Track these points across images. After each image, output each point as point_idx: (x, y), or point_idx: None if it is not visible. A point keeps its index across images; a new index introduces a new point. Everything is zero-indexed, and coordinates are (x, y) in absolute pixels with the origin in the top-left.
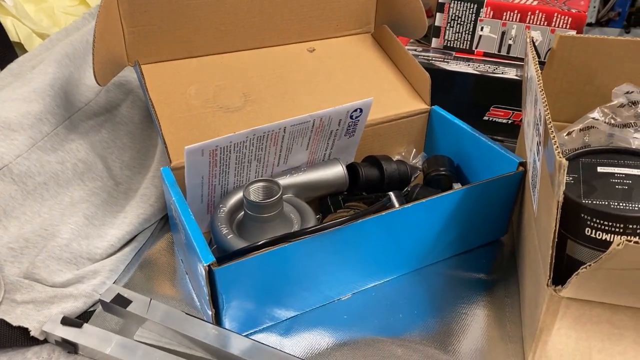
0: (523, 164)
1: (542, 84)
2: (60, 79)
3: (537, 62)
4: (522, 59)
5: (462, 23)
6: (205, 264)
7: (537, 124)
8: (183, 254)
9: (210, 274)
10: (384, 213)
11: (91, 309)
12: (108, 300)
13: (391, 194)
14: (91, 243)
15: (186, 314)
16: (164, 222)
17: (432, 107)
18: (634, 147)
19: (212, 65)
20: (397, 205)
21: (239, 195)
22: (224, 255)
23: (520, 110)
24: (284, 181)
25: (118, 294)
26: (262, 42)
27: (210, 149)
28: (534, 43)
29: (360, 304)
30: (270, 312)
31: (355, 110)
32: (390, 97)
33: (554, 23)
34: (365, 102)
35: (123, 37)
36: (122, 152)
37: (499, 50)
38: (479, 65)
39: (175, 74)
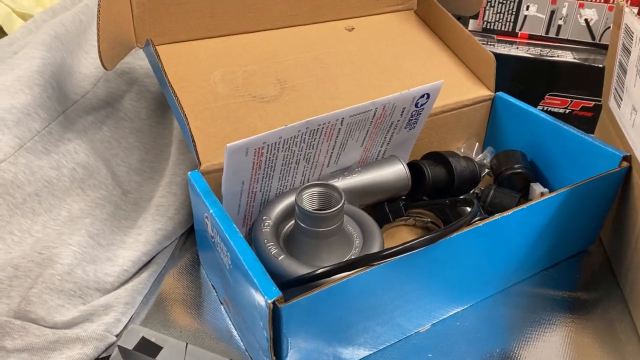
0: (627, 159)
1: None
2: (51, 65)
3: None
4: (574, 42)
5: (504, 2)
6: (269, 300)
7: None
8: (220, 280)
9: (274, 312)
10: (480, 224)
11: (104, 355)
12: (130, 347)
13: (474, 201)
14: (99, 269)
15: None
16: (185, 237)
17: (497, 93)
18: None
19: (237, 46)
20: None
21: (284, 204)
22: (284, 282)
23: (580, 99)
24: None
25: (143, 337)
26: (293, 19)
27: (256, 147)
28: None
29: (443, 337)
30: (339, 354)
31: (422, 96)
32: (447, 82)
33: None
34: (434, 85)
35: (131, 12)
36: (129, 154)
37: (547, 32)
38: (528, 49)
39: (194, 57)
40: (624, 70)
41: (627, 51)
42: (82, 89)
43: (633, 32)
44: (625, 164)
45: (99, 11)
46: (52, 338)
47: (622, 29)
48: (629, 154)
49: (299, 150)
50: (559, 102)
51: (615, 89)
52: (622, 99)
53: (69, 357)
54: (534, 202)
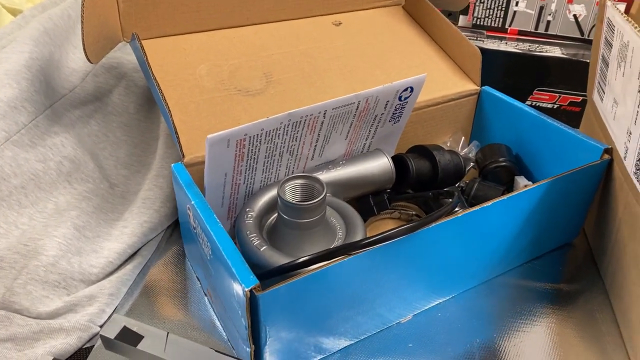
0: (609, 151)
1: None
2: (39, 60)
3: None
4: (562, 37)
5: None
6: (246, 288)
7: None
8: (202, 271)
9: (252, 300)
10: (460, 215)
11: (87, 345)
12: (112, 337)
13: (456, 192)
14: (84, 260)
15: (216, 351)
16: (171, 230)
17: (483, 87)
18: None
19: (223, 40)
20: (465, 205)
21: (267, 196)
22: (265, 272)
23: (568, 94)
24: (320, 178)
25: (124, 327)
26: (281, 14)
27: (238, 139)
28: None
29: (425, 327)
30: (319, 344)
31: (406, 89)
32: (433, 76)
33: None
34: (417, 79)
35: (117, 6)
36: (117, 148)
37: (536, 28)
38: (517, 44)
39: (180, 51)
40: (606, 63)
41: (609, 44)
42: (70, 84)
43: (615, 26)
44: (606, 156)
45: (83, 4)
46: (36, 328)
47: (604, 22)
48: (610, 146)
49: (282, 143)
50: (547, 97)
51: (599, 82)
52: (604, 92)
53: (52, 347)
54: (515, 193)
